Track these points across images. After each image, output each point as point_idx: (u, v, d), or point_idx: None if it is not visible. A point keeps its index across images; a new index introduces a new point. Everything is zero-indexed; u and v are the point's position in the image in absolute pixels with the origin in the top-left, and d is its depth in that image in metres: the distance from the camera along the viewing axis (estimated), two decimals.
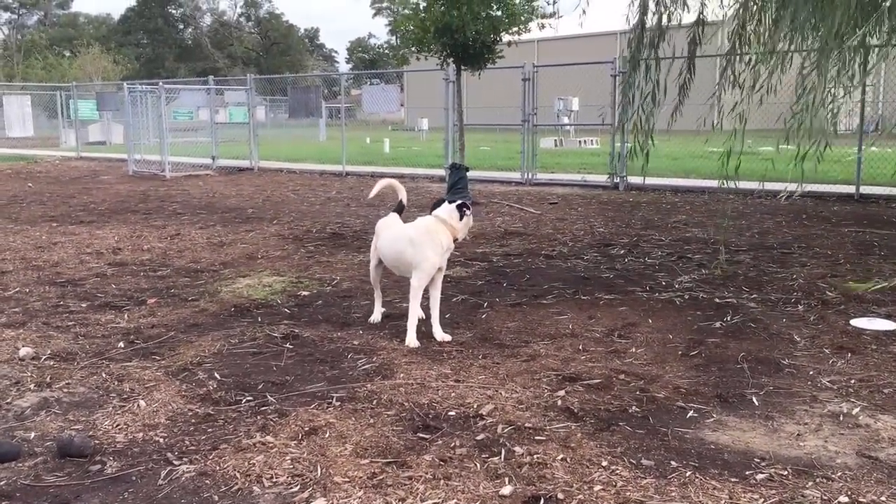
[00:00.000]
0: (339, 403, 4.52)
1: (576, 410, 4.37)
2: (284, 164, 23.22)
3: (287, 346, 5.64)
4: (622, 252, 9.27)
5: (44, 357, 5.42)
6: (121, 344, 5.74)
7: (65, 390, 4.82)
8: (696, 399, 4.57)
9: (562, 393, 4.65)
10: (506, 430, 4.11)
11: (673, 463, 3.74)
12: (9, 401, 4.65)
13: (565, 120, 31.98)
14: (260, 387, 4.82)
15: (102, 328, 6.16)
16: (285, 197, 15.66)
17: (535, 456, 3.79)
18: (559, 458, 3.78)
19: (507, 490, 3.45)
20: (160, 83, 22.26)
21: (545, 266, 8.50)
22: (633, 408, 4.43)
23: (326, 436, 4.06)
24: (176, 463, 3.81)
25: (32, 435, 4.16)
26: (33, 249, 9.68)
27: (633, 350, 5.49)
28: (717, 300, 6.84)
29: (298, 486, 3.55)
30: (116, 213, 13.17)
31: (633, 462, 3.74)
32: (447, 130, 17.58)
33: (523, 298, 7.02)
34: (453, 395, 4.64)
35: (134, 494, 3.51)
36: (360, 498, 3.41)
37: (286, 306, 6.79)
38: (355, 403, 4.51)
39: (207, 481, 3.62)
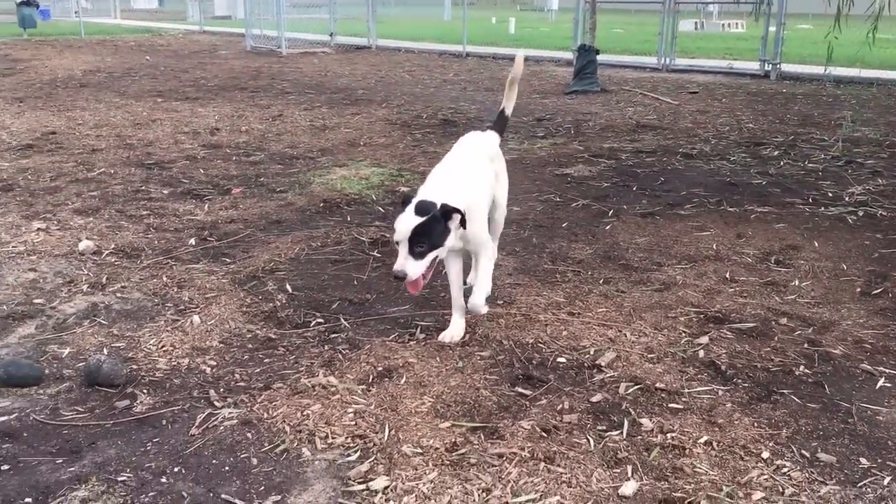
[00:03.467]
0: (422, 336, 3.69)
1: (723, 367, 3.37)
2: (403, 44, 22.13)
3: (374, 254, 4.83)
4: (776, 153, 7.89)
5: (106, 252, 4.83)
6: (192, 241, 5.08)
7: (118, 295, 4.20)
8: (889, 360, 3.47)
9: (704, 340, 3.65)
10: (630, 391, 3.18)
11: (863, 461, 2.73)
12: (55, 304, 4.07)
13: None
14: (334, 305, 4.05)
15: (178, 220, 5.52)
16: (399, 78, 14.69)
17: (668, 435, 2.85)
18: (702, 440, 2.83)
19: (629, 488, 2.55)
20: None
21: (683, 167, 7.29)
22: (802, 368, 3.39)
23: (402, 381, 3.25)
24: (217, 405, 3.10)
25: (66, 352, 3.55)
26: (131, 126, 9.22)
27: (796, 283, 4.37)
28: None
29: (358, 454, 2.77)
30: (224, 90, 12.61)
31: (807, 455, 2.75)
32: (577, 9, 15.96)
33: (656, 207, 5.92)
34: (565, 333, 3.72)
35: (158, 447, 2.83)
36: (431, 482, 2.59)
37: (381, 204, 5.96)
38: None
39: (249, 435, 2.90)
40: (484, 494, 2.53)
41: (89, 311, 3.99)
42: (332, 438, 2.87)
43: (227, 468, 2.71)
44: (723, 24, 29.70)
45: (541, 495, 2.53)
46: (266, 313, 3.97)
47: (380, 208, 5.84)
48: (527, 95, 12.02)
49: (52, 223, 5.35)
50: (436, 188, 3.43)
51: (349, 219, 5.57)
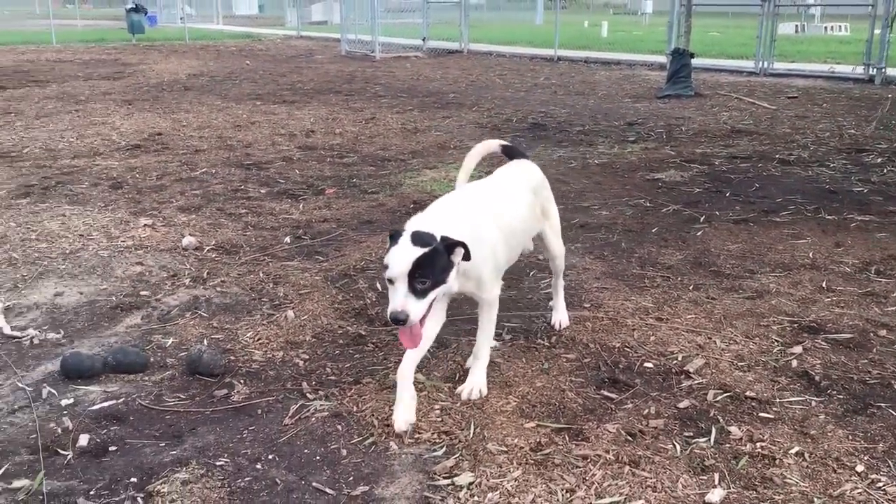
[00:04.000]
0: (509, 337, 3.73)
1: (817, 378, 3.29)
2: (494, 48, 22.21)
3: None
4: (879, 160, 7.59)
5: (207, 248, 5.05)
6: (287, 239, 5.26)
7: (218, 289, 4.39)
8: None
9: (798, 349, 3.56)
10: (719, 398, 3.13)
11: None
12: (160, 296, 4.28)
13: (810, 0, 28.14)
14: None
15: (274, 219, 5.72)
16: (490, 82, 14.76)
17: (758, 444, 2.81)
18: (793, 451, 2.77)
19: (716, 496, 2.52)
20: None
21: (779, 174, 7.10)
22: None
23: (489, 382, 3.28)
24: (310, 397, 3.21)
25: (169, 342, 3.74)
26: (231, 128, 9.57)
27: None
28: None
29: (444, 450, 2.83)
30: (319, 94, 12.93)
31: None
32: (672, 12, 15.70)
33: (750, 213, 5.79)
34: (653, 338, 3.69)
35: (253, 434, 2.95)
36: (515, 480, 2.63)
37: None
38: (529, 339, 3.70)
39: (339, 427, 2.99)
40: (568, 495, 2.55)
41: (191, 304, 4.18)
42: (419, 433, 2.94)
43: (317, 458, 2.81)
44: (825, 27, 28.66)
45: (625, 498, 2.53)
46: (357, 310, 4.08)
47: None
48: (618, 99, 11.91)
49: (157, 220, 5.62)
50: (432, 218, 2.92)
51: None
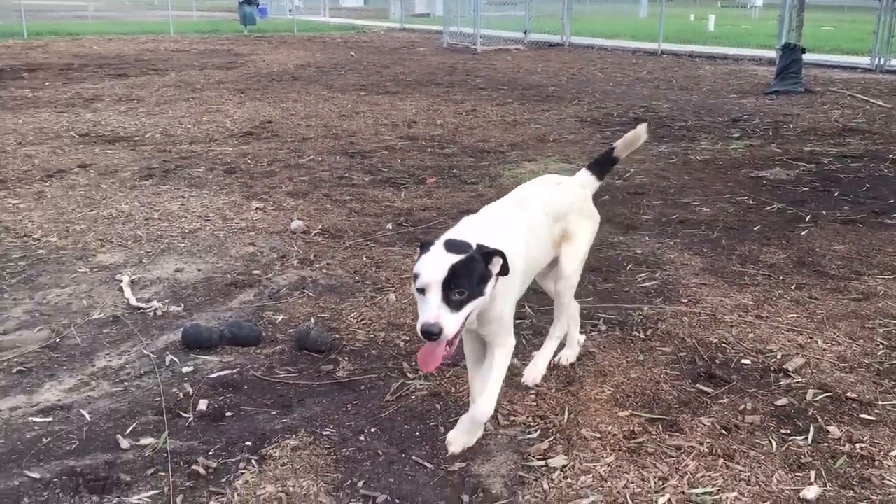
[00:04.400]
0: (605, 328, 3.78)
1: None
2: (596, 41, 21.98)
3: None
4: None
5: (314, 232, 5.28)
6: (389, 225, 5.44)
7: (324, 271, 4.60)
8: None
9: None
10: (818, 398, 3.11)
11: None
12: (270, 276, 4.52)
13: None
14: None
15: (377, 206, 5.91)
16: (591, 75, 14.66)
17: (857, 445, 2.79)
18: (894, 453, 2.74)
19: (811, 492, 2.53)
20: None
21: (892, 174, 6.85)
22: None
23: (583, 369, 3.36)
24: (410, 376, 3.36)
25: (279, 318, 3.95)
26: (337, 117, 9.85)
27: None
28: None
29: (538, 433, 2.92)
30: (421, 85, 13.14)
31: None
32: (783, 6, 15.19)
33: (859, 214, 5.63)
34: (751, 335, 3.68)
35: (357, 408, 3.11)
36: (608, 465, 2.70)
37: None
38: (625, 331, 3.74)
39: (438, 405, 3.12)
40: (660, 482, 2.61)
41: (299, 284, 4.40)
42: (515, 416, 3.04)
43: (417, 433, 2.94)
44: None
45: (718, 489, 2.56)
46: None
47: None
48: (723, 95, 11.65)
49: (268, 203, 5.90)
50: (465, 230, 2.63)
51: None
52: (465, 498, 2.59)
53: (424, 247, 2.50)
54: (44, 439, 2.91)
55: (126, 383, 3.32)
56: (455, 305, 2.36)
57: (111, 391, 3.26)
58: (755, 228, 5.29)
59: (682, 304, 4.05)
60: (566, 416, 3.01)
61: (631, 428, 2.91)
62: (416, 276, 2.41)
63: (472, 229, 2.63)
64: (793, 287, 4.28)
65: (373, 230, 5.34)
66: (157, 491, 2.61)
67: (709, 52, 18.75)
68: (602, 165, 3.37)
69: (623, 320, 3.85)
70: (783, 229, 5.28)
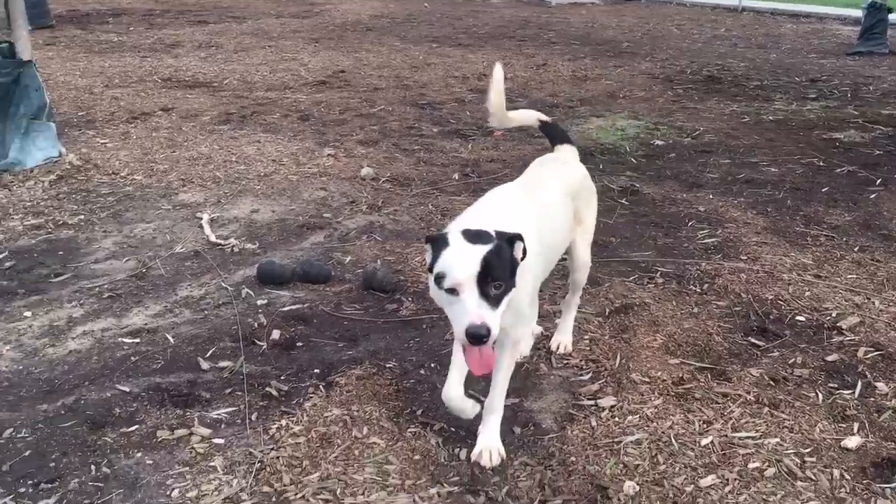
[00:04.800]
0: (661, 281, 3.87)
1: None
2: None
3: (622, 201, 5.02)
4: None
5: (382, 179, 5.45)
6: (455, 175, 5.57)
7: (391, 217, 4.77)
8: None
9: None
10: (869, 356, 3.17)
11: None
12: (340, 219, 4.72)
13: None
14: None
15: (444, 156, 6.05)
16: (667, 31, 14.37)
17: None
18: None
19: (852, 441, 2.62)
20: None
21: None
22: None
23: (637, 318, 3.47)
24: None
25: (348, 259, 4.15)
26: (408, 69, 9.95)
27: None
28: None
29: (590, 374, 3.06)
30: (493, 38, 13.10)
31: None
32: None
33: None
34: (808, 294, 3.72)
35: (418, 345, 3.30)
36: (656, 407, 2.83)
37: (634, 155, 6.09)
38: (681, 284, 3.83)
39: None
40: (704, 425, 2.73)
41: (367, 228, 4.59)
42: (567, 359, 3.18)
43: None
44: None
45: (761, 435, 2.67)
46: None
47: (632, 159, 5.98)
48: (803, 55, 11.34)
49: (339, 151, 6.09)
50: (474, 218, 2.41)
51: (601, 167, 5.77)
52: (517, 430, 2.76)
53: (437, 242, 2.24)
54: (132, 358, 3.18)
55: (206, 312, 3.58)
56: (494, 301, 2.16)
57: (192, 318, 3.52)
58: (823, 190, 5.26)
59: (741, 260, 4.10)
60: (618, 361, 3.13)
61: (680, 375, 3.03)
62: (440, 276, 2.17)
63: (481, 216, 2.41)
64: (855, 249, 4.28)
65: (439, 179, 5.48)
66: (234, 408, 2.85)
67: (791, 9, 18.11)
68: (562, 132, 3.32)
69: (680, 274, 3.93)
70: (852, 192, 5.23)
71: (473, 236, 2.21)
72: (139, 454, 2.61)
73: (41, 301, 3.66)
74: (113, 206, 4.83)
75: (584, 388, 2.97)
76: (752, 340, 3.29)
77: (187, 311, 3.59)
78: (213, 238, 4.36)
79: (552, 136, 3.28)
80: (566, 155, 3.17)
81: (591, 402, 2.88)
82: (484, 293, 2.13)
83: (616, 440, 2.66)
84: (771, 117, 7.43)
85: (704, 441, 2.64)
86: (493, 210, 2.52)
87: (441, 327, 3.44)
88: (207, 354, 3.20)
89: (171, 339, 3.32)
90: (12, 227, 4.50)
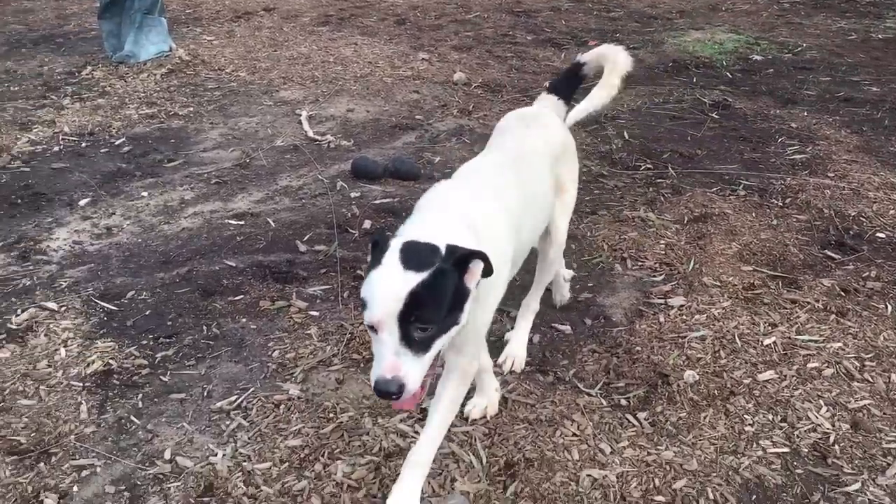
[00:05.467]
0: (743, 193, 3.91)
1: None
2: None
3: (713, 115, 5.01)
4: None
5: (474, 85, 5.56)
6: (546, 84, 5.62)
7: (480, 121, 4.91)
8: None
9: None
10: None
11: None
12: (431, 121, 4.88)
13: None
14: (665, 155, 4.39)
15: (536, 64, 6.10)
16: None
17: None
18: None
19: None
20: None
21: None
22: None
23: (714, 227, 3.56)
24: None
25: (437, 159, 4.34)
26: None
27: None
28: None
29: (662, 276, 3.20)
30: None
31: None
32: None
33: None
34: (892, 212, 3.71)
35: None
36: (723, 308, 2.95)
37: (730, 70, 6.00)
38: (763, 197, 3.87)
39: (573, 246, 3.44)
40: (769, 327, 2.85)
41: (456, 131, 4.74)
42: (642, 261, 3.32)
43: None
44: None
45: (824, 339, 2.78)
46: (602, 153, 4.43)
47: (728, 74, 5.89)
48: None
49: (433, 55, 6.20)
50: (434, 220, 1.97)
51: (695, 80, 5.72)
52: (588, 321, 2.94)
53: (377, 248, 1.81)
54: (237, 238, 3.48)
55: (304, 201, 3.84)
56: (419, 346, 1.72)
57: (291, 206, 3.79)
58: None
59: (828, 177, 4.10)
60: (691, 266, 3.25)
61: (751, 281, 3.13)
62: (362, 304, 1.75)
63: (445, 216, 1.98)
64: None
65: (531, 87, 5.55)
66: (328, 286, 3.12)
67: None
68: (567, 85, 2.99)
69: (764, 188, 3.96)
70: None
71: (412, 255, 1.74)
72: (244, 320, 2.91)
73: (156, 183, 3.99)
74: (219, 100, 5.11)
75: (656, 288, 3.12)
76: (828, 253, 3.35)
77: (287, 199, 3.86)
78: (311, 133, 4.60)
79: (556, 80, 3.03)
80: (548, 109, 2.80)
81: (661, 301, 3.03)
82: (406, 336, 1.70)
83: (681, 335, 2.82)
84: (880, 35, 7.12)
85: (767, 341, 2.76)
86: (463, 202, 2.07)
87: None
88: (305, 238, 3.47)
89: (272, 223, 3.60)
90: (128, 115, 4.84)
